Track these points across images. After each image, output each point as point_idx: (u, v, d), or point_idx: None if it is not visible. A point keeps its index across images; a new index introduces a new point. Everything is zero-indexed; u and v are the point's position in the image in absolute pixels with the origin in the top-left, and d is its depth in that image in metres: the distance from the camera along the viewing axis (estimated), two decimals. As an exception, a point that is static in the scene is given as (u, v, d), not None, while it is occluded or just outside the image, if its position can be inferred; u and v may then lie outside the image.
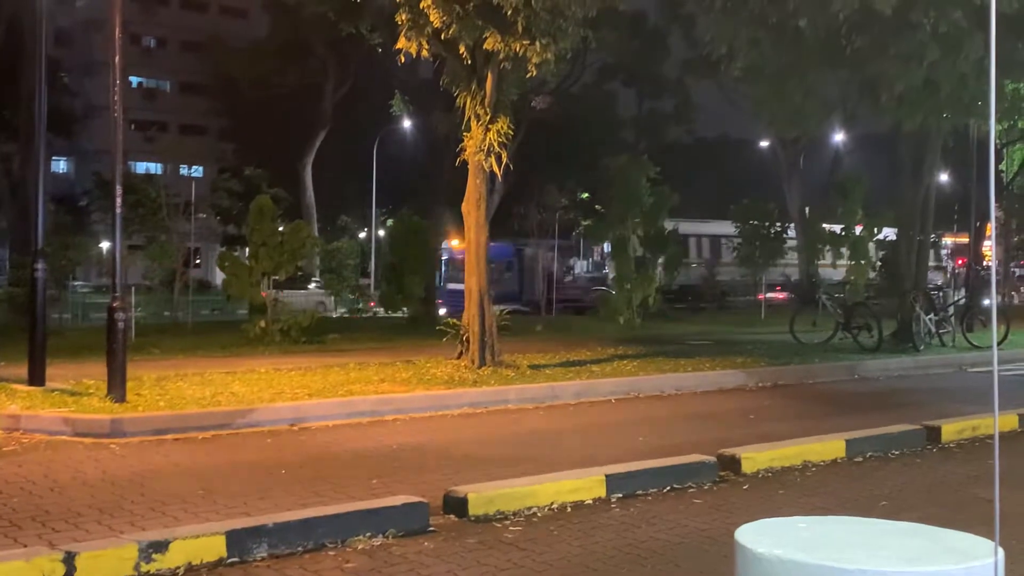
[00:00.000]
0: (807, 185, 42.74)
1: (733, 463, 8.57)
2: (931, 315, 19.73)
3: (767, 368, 15.61)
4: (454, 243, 34.06)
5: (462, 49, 13.88)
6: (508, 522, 6.91)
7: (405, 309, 25.27)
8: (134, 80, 66.10)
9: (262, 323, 18.68)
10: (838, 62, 17.74)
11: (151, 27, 66.76)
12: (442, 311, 27.58)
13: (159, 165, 62.88)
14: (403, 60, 14.81)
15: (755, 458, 8.71)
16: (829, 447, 9.38)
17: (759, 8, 16.34)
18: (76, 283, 28.32)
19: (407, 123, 40.87)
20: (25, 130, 23.76)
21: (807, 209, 39.67)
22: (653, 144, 47.01)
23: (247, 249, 20.26)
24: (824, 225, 32.04)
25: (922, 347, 18.94)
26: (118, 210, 11.45)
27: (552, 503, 7.32)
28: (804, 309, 23.28)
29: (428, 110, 26.81)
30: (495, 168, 14.63)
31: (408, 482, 7.88)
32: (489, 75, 14.36)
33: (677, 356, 16.63)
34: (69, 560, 5.52)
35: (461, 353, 14.77)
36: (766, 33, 17.07)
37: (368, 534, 6.44)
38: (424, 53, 14.31)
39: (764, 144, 46.41)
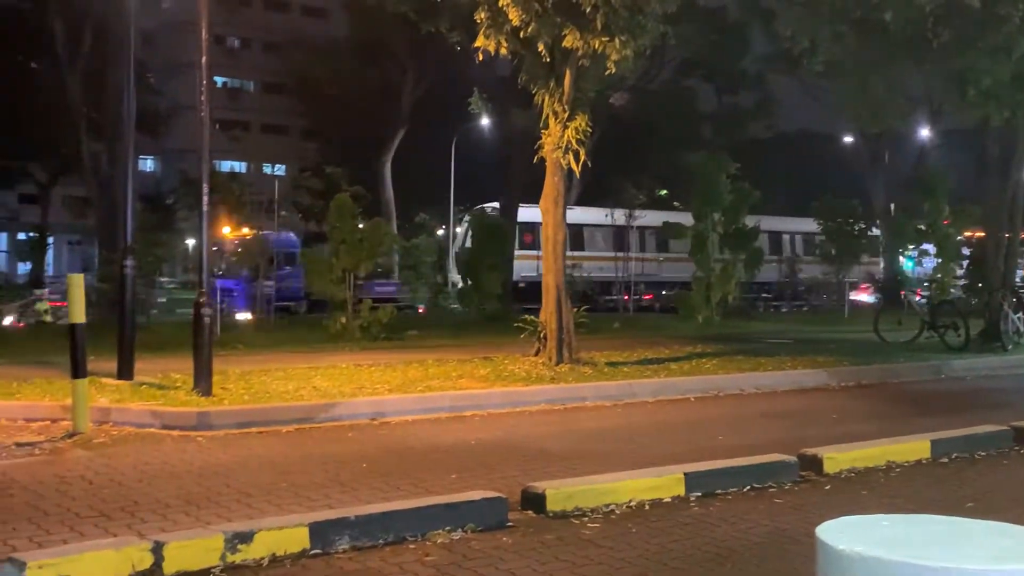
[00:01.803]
0: (890, 181, 41.87)
1: (815, 463, 8.47)
2: (1020, 314, 19.27)
3: (850, 367, 15.38)
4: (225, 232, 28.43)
5: (540, 47, 13.88)
6: (586, 519, 6.91)
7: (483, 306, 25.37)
8: (218, 80, 67.38)
9: (343, 319, 18.92)
10: (923, 56, 17.40)
11: (235, 28, 67.93)
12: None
13: (243, 164, 64.13)
14: (481, 58, 14.87)
15: (837, 458, 8.59)
16: (914, 447, 9.22)
17: (841, 2, 16.11)
18: (163, 279, 28.89)
19: (485, 121, 41.03)
20: (112, 129, 24.32)
21: (892, 205, 38.91)
22: (732, 140, 46.53)
23: (328, 246, 20.54)
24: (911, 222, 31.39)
25: (1010, 346, 18.52)
26: (204, 208, 11.69)
27: (630, 501, 7.30)
28: (888, 307, 22.88)
29: (506, 108, 26.88)
30: (573, 165, 14.62)
31: (486, 477, 7.93)
32: (567, 72, 14.35)
33: (757, 355, 16.47)
34: (157, 550, 5.65)
35: (539, 350, 14.78)
36: (849, 27, 16.81)
37: (447, 528, 6.50)
38: (503, 51, 14.33)
39: (846, 139, 45.60)
